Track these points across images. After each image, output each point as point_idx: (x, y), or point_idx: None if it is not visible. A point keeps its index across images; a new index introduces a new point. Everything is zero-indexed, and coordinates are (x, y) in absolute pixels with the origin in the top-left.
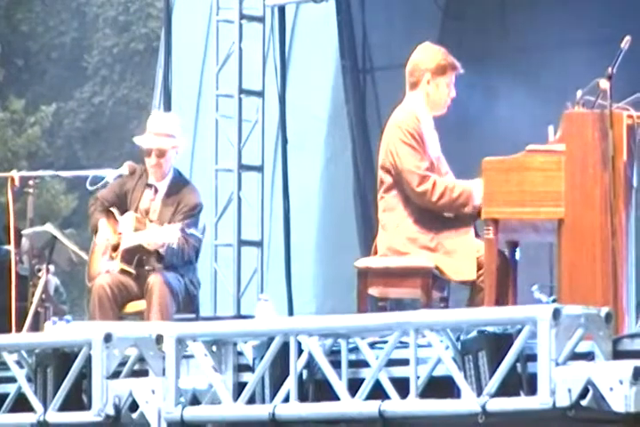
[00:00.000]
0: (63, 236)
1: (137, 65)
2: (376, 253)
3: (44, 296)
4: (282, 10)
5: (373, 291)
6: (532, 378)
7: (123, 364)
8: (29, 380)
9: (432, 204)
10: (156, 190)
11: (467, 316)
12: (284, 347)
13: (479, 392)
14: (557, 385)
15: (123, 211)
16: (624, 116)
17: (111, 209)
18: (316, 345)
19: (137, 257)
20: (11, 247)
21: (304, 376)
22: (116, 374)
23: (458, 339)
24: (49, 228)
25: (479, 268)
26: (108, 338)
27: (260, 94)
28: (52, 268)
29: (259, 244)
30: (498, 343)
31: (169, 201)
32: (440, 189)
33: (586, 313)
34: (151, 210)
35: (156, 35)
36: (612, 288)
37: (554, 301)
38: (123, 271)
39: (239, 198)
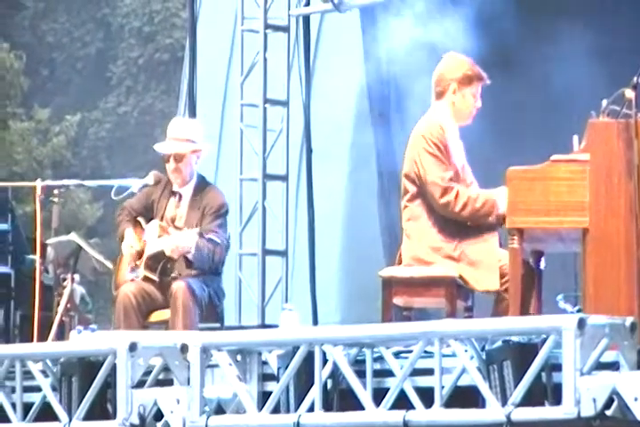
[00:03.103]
0: (88, 245)
1: (162, 75)
2: (400, 262)
3: (69, 305)
4: (306, 19)
5: (398, 300)
6: (557, 388)
7: (148, 373)
8: (54, 389)
9: (455, 214)
10: (180, 197)
11: (491, 325)
12: (309, 356)
13: (504, 402)
14: (582, 395)
15: (149, 221)
16: None
17: (138, 219)
18: (341, 355)
19: (161, 265)
20: (36, 257)
21: (329, 386)
22: (140, 384)
23: (483, 349)
24: (74, 237)
25: (502, 277)
26: (132, 347)
27: (285, 104)
28: (77, 277)
29: (283, 253)
30: (523, 353)
31: (194, 206)
32: (463, 200)
33: (611, 323)
34: (177, 217)
35: (180, 45)
36: (636, 298)
37: (579, 310)
38: (146, 279)
39: (264, 208)
